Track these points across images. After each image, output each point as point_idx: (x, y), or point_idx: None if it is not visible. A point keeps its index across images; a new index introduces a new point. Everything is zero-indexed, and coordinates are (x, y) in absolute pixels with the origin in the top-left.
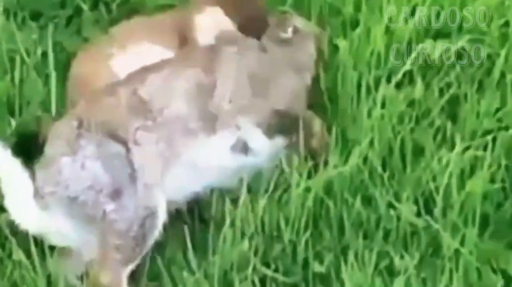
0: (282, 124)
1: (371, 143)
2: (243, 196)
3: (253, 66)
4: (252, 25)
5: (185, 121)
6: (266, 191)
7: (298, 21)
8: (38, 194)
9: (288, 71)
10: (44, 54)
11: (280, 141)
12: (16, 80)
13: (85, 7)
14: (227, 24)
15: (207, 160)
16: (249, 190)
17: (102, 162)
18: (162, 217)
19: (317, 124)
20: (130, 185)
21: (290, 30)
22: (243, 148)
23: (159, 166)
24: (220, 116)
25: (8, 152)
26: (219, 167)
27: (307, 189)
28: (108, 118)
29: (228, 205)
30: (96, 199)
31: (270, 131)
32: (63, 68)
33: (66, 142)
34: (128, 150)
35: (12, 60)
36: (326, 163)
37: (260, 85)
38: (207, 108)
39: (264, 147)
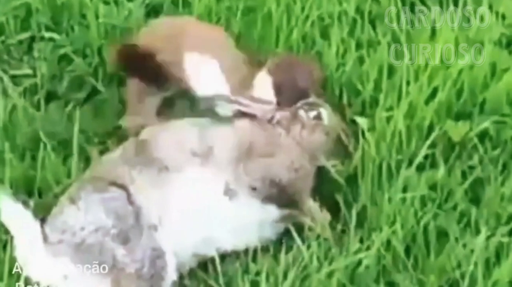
0: (276, 195)
1: (393, 228)
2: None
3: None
4: (291, 96)
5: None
6: (285, 276)
7: (325, 111)
8: (47, 242)
9: (297, 149)
10: None
11: (272, 210)
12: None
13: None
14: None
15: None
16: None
17: (104, 205)
18: (171, 258)
19: (316, 210)
20: (135, 226)
21: (312, 114)
22: (232, 193)
23: (158, 206)
24: (212, 158)
25: (19, 203)
26: (212, 213)
27: (329, 275)
28: (107, 169)
29: None
30: (103, 243)
31: (263, 198)
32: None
33: (69, 195)
34: (128, 193)
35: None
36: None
37: (260, 153)
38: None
39: (255, 209)
